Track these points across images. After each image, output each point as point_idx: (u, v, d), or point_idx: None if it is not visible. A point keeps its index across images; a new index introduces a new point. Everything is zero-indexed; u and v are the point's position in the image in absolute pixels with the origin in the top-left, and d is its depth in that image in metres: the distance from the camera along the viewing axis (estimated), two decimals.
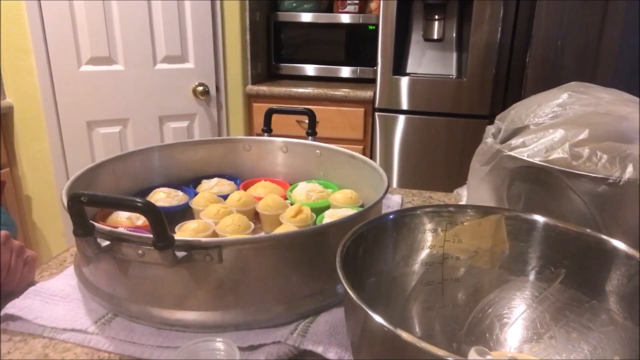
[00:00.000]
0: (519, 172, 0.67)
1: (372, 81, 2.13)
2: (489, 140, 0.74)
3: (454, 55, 2.10)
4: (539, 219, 0.56)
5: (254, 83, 2.23)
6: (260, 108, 2.21)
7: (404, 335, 0.36)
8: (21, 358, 0.56)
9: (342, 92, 2.11)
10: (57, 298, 0.64)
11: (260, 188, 0.93)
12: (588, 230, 0.53)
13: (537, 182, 0.66)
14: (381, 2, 1.97)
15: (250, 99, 2.23)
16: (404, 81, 2.04)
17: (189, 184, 0.94)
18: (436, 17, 2.05)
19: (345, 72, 2.32)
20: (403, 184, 2.16)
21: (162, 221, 0.52)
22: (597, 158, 0.63)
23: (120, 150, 1.81)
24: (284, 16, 2.31)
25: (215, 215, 0.80)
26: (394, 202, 1.00)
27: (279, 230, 0.75)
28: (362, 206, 0.85)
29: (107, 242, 0.57)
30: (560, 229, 0.55)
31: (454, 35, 2.09)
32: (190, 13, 1.96)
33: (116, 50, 1.89)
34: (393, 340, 0.38)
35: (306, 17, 2.28)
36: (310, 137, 0.99)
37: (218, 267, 0.57)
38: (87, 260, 0.64)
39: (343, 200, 0.85)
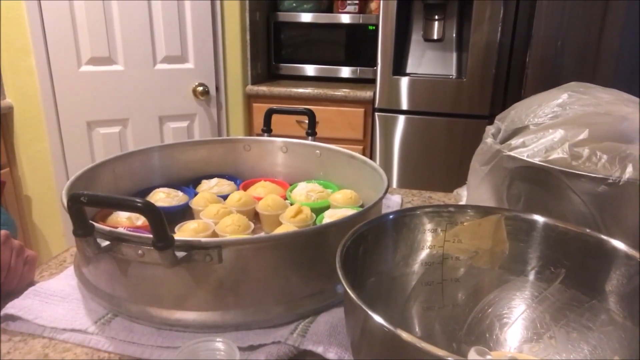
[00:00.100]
0: (519, 172, 0.67)
1: (372, 81, 2.13)
2: (488, 140, 0.74)
3: (454, 56, 2.10)
4: (539, 219, 0.56)
5: (253, 83, 2.23)
6: (260, 108, 2.21)
7: (404, 335, 0.36)
8: (21, 358, 0.56)
9: (342, 92, 2.11)
10: (57, 298, 0.64)
11: (260, 188, 0.93)
12: (588, 230, 0.53)
13: (537, 182, 0.66)
14: (381, 2, 1.97)
15: (250, 99, 2.23)
16: (404, 81, 2.04)
17: (189, 184, 0.94)
18: (436, 17, 2.05)
19: (345, 72, 2.32)
20: (403, 184, 2.16)
21: (162, 221, 0.52)
22: (597, 158, 0.63)
23: (120, 151, 1.80)
24: (284, 16, 2.31)
25: (215, 215, 0.80)
26: (393, 202, 1.00)
27: (279, 231, 0.75)
28: (362, 206, 0.85)
29: (107, 242, 0.57)
30: (560, 229, 0.55)
31: (454, 35, 2.09)
32: (190, 13, 1.96)
33: (116, 50, 1.89)
34: (393, 340, 0.38)
35: (306, 17, 2.28)
36: (310, 137, 0.99)
37: (218, 267, 0.57)
38: (87, 260, 0.64)
39: (343, 201, 0.85)
